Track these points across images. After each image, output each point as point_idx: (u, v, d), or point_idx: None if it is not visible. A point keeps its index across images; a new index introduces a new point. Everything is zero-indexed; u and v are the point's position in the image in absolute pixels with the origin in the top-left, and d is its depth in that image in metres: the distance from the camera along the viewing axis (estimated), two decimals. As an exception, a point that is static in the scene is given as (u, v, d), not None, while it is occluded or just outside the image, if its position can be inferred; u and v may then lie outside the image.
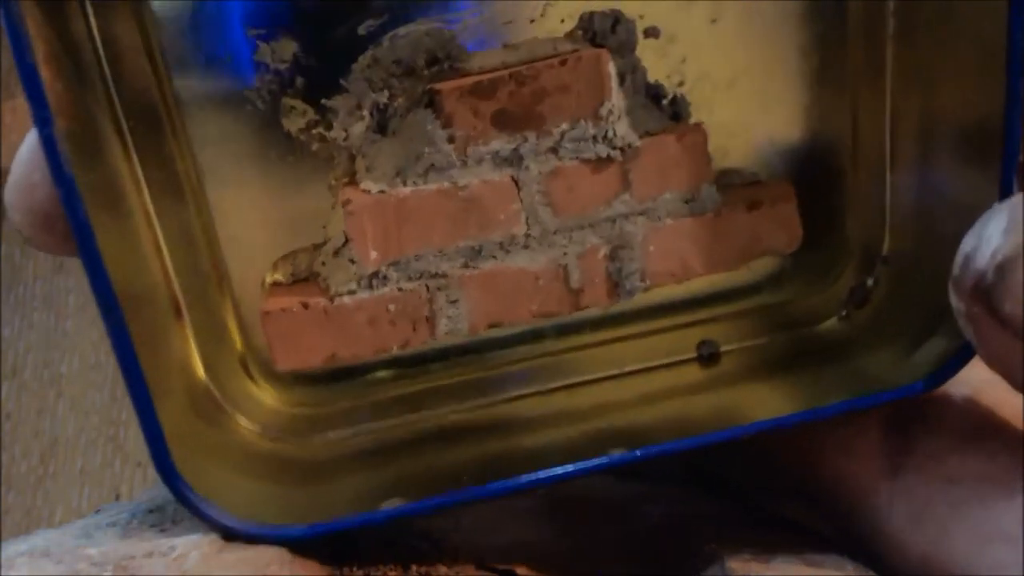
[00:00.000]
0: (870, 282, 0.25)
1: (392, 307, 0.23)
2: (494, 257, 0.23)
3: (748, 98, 0.24)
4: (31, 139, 0.19)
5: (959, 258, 0.20)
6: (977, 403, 0.24)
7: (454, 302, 0.23)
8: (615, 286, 0.23)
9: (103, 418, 0.34)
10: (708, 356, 0.25)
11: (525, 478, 0.21)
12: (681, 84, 0.24)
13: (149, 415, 0.19)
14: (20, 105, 0.36)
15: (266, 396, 0.25)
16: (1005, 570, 0.22)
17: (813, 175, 0.25)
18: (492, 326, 0.23)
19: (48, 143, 0.18)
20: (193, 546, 0.20)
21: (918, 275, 0.24)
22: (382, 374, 0.26)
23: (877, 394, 0.22)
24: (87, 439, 0.34)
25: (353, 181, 0.23)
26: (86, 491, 0.34)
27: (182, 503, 0.20)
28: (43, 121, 0.18)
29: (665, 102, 0.24)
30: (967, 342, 0.20)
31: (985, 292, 0.19)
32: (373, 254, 0.22)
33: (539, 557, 0.23)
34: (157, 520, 0.22)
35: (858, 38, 0.24)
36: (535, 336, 0.26)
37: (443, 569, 0.22)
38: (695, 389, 0.25)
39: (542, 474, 0.21)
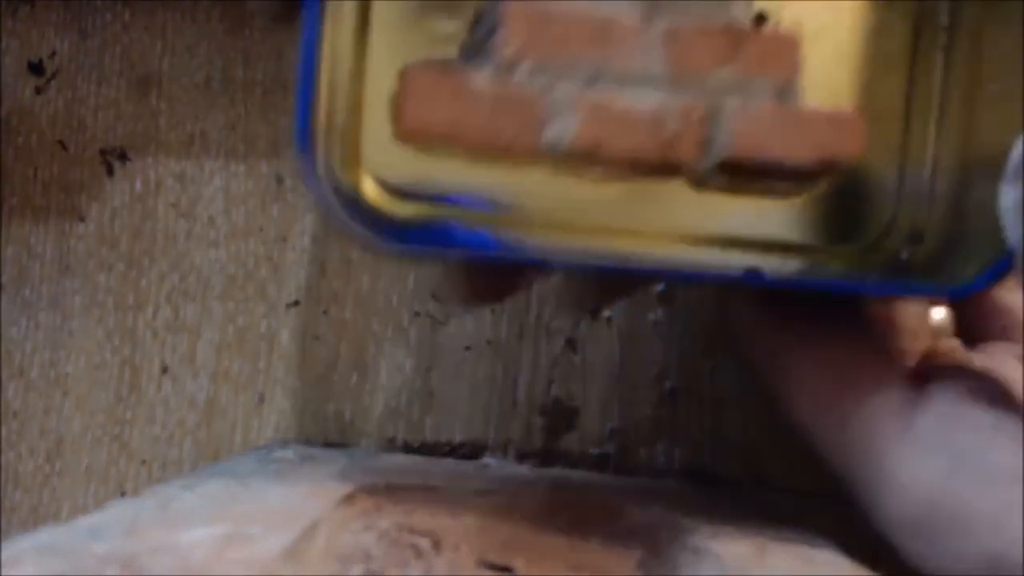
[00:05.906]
0: (904, 255, 0.27)
1: (514, 99, 0.25)
2: (609, 86, 0.26)
3: (826, 55, 0.27)
4: None
5: (1014, 153, 0.21)
6: (991, 375, 0.25)
7: (565, 115, 0.25)
8: (703, 147, 0.26)
9: (108, 417, 0.34)
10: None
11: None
12: (777, 23, 0.27)
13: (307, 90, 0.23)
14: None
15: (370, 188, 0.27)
16: (1009, 508, 0.22)
17: (870, 142, 0.27)
18: (590, 152, 0.26)
19: None
20: (198, 543, 0.21)
21: (950, 254, 0.26)
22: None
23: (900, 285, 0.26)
24: (93, 437, 0.34)
25: None
26: (91, 489, 0.34)
27: (302, 160, 0.23)
28: None
29: (765, 28, 0.27)
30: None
31: None
32: (514, 43, 0.25)
33: (538, 554, 0.23)
34: (162, 517, 0.22)
35: (919, 40, 0.27)
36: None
37: (443, 566, 0.22)
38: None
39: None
